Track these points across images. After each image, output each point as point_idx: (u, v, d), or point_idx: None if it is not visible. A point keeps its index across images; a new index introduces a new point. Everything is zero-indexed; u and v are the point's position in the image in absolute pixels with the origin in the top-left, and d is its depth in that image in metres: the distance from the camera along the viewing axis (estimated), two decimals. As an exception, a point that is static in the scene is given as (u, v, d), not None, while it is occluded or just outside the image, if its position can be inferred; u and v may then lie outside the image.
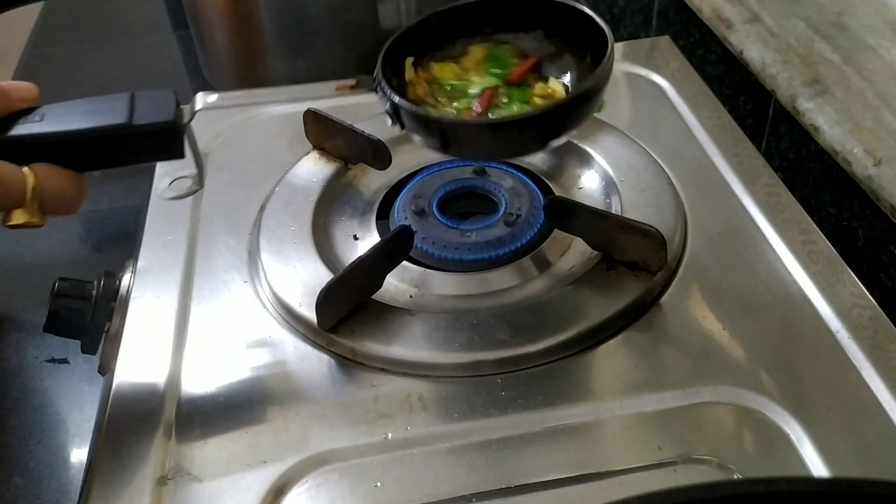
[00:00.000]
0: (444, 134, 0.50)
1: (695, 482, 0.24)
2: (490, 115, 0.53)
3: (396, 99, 0.49)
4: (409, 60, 0.55)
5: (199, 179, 0.52)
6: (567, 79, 0.56)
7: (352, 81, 0.51)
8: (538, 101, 0.54)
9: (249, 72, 0.96)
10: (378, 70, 0.51)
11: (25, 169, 0.44)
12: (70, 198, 0.47)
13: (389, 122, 0.51)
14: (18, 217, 0.45)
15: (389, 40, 0.54)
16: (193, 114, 0.50)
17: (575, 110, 0.49)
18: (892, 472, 0.43)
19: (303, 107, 0.66)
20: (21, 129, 0.46)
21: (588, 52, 0.53)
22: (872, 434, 0.45)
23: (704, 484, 0.24)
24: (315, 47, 0.95)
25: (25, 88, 0.47)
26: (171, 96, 0.49)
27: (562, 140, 0.51)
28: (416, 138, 0.51)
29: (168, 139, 0.49)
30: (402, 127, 0.51)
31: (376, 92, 0.51)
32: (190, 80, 1.08)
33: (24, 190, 0.44)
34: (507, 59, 0.56)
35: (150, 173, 0.67)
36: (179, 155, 0.50)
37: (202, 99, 0.51)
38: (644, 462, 0.44)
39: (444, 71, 0.56)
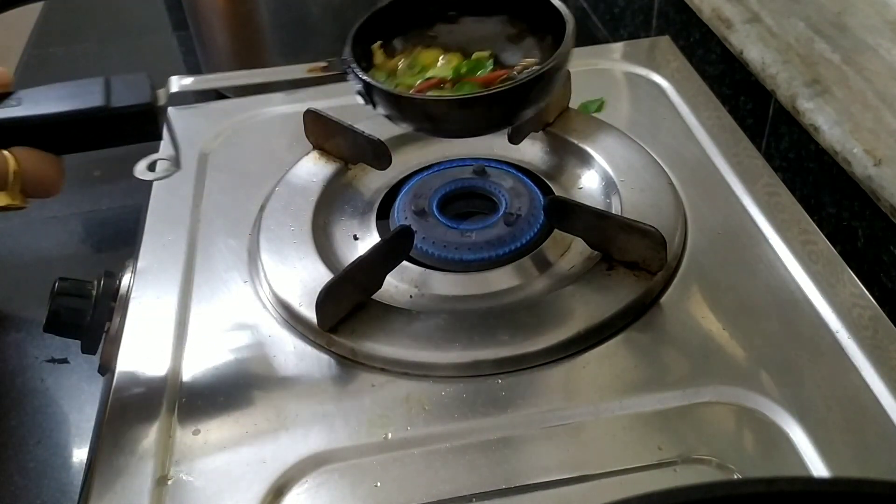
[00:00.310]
0: (415, 111, 0.51)
1: (695, 482, 0.24)
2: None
3: (367, 79, 0.50)
4: (378, 45, 0.56)
5: (177, 161, 0.53)
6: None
7: (323, 63, 0.53)
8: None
9: (249, 72, 0.96)
10: (348, 51, 0.52)
11: (6, 153, 0.45)
12: (51, 180, 0.48)
13: (362, 101, 0.52)
14: (0, 200, 0.45)
15: (357, 23, 0.55)
16: (169, 96, 0.51)
17: (538, 87, 0.51)
18: (892, 472, 0.43)
19: (303, 107, 0.67)
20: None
21: (549, 36, 0.55)
22: (872, 434, 0.45)
23: (704, 484, 0.24)
24: (315, 47, 0.95)
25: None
26: (146, 79, 0.50)
27: (526, 116, 0.53)
28: (387, 116, 0.52)
29: (145, 121, 0.50)
30: (375, 106, 0.52)
31: (346, 73, 0.52)
32: (190, 80, 1.07)
33: (5, 173, 0.45)
34: (483, 66, 0.57)
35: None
36: (156, 137, 0.51)
37: (177, 82, 0.52)
38: (644, 462, 0.44)
39: (427, 56, 0.57)
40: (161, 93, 0.51)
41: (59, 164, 0.48)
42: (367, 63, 0.55)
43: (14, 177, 0.45)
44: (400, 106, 0.52)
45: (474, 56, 0.57)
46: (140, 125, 0.50)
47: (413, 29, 0.58)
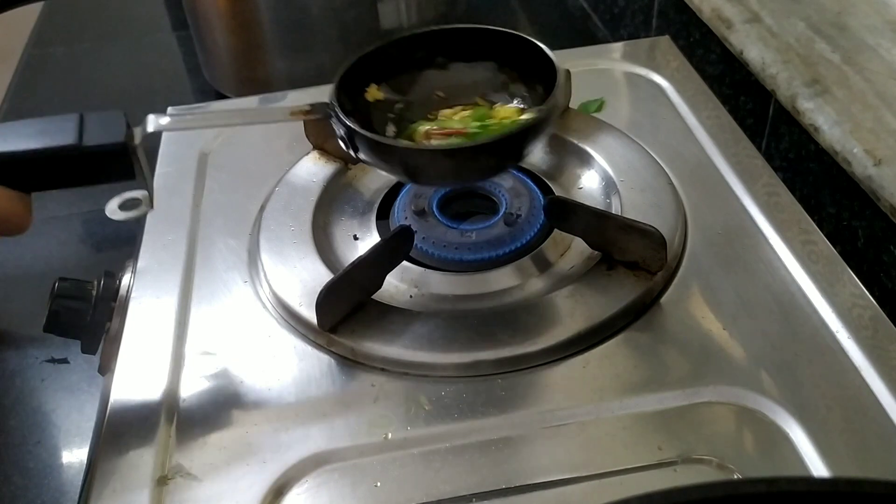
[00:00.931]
0: (397, 159, 0.51)
1: (695, 482, 0.24)
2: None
3: (351, 124, 0.50)
4: (375, 88, 0.57)
5: (150, 201, 0.52)
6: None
7: (306, 107, 0.52)
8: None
9: (249, 72, 0.96)
10: (332, 96, 0.52)
11: None
12: (17, 219, 0.47)
13: (344, 147, 0.52)
14: None
15: (343, 67, 0.54)
16: (144, 135, 0.49)
17: (527, 139, 0.51)
18: (892, 472, 0.43)
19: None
20: None
21: (540, 83, 0.55)
22: (872, 434, 0.45)
23: (704, 484, 0.24)
24: (315, 47, 0.95)
25: None
26: (122, 118, 0.49)
27: (515, 165, 0.53)
28: (368, 163, 0.52)
29: (118, 160, 0.48)
30: (356, 152, 0.51)
31: (330, 118, 0.51)
32: (190, 80, 1.08)
33: None
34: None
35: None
36: (130, 176, 0.49)
37: (154, 121, 0.50)
38: (644, 462, 0.44)
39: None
40: (136, 131, 0.49)
41: (27, 202, 0.47)
42: (352, 106, 0.54)
43: None
44: (380, 153, 0.51)
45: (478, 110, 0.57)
46: (112, 165, 0.48)
47: (401, 74, 0.58)
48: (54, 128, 0.47)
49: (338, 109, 0.51)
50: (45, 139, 0.47)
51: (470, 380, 0.49)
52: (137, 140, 0.49)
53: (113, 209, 0.51)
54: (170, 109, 0.51)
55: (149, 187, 0.51)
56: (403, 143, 0.53)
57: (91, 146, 0.47)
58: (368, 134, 0.50)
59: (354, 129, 0.50)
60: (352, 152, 0.52)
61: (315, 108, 0.52)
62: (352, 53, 0.55)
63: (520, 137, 0.51)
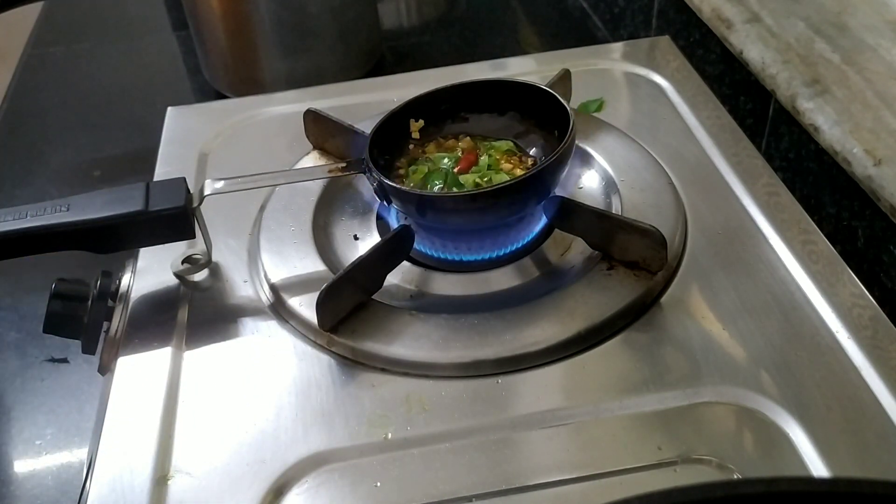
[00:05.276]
0: (422, 205, 0.55)
1: (695, 482, 0.24)
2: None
3: (381, 178, 0.54)
4: (418, 124, 0.62)
5: (209, 255, 0.58)
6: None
7: (343, 164, 0.58)
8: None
9: (249, 72, 0.96)
10: (366, 152, 0.56)
11: None
12: None
13: (377, 196, 0.57)
14: None
15: (376, 124, 0.59)
16: (202, 199, 0.55)
17: (547, 178, 0.55)
18: (892, 472, 0.43)
19: (303, 107, 0.67)
20: (50, 218, 0.51)
21: (555, 129, 0.59)
22: (872, 434, 0.45)
23: (704, 484, 0.24)
24: (315, 47, 0.95)
25: None
26: (182, 183, 0.55)
27: (535, 206, 0.56)
28: (403, 210, 0.57)
29: (180, 222, 0.54)
30: (389, 202, 0.56)
31: (365, 172, 0.56)
32: (190, 80, 1.08)
33: None
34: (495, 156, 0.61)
35: (151, 172, 0.67)
36: (190, 235, 0.56)
37: (210, 185, 0.56)
38: (644, 462, 0.44)
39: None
40: (195, 195, 0.55)
41: None
42: (384, 161, 0.59)
43: None
44: (407, 201, 0.55)
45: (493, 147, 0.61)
46: (175, 226, 0.55)
47: (430, 126, 0.63)
48: (124, 196, 0.54)
49: (370, 164, 0.56)
50: (116, 207, 0.53)
51: (470, 380, 0.49)
52: (196, 203, 0.55)
53: (176, 265, 0.58)
54: (217, 184, 0.56)
55: (207, 244, 0.58)
56: (426, 191, 0.57)
57: (156, 210, 0.53)
58: (394, 185, 0.54)
59: (383, 182, 0.54)
60: (385, 202, 0.57)
61: (350, 164, 0.57)
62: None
63: (541, 175, 0.53)
